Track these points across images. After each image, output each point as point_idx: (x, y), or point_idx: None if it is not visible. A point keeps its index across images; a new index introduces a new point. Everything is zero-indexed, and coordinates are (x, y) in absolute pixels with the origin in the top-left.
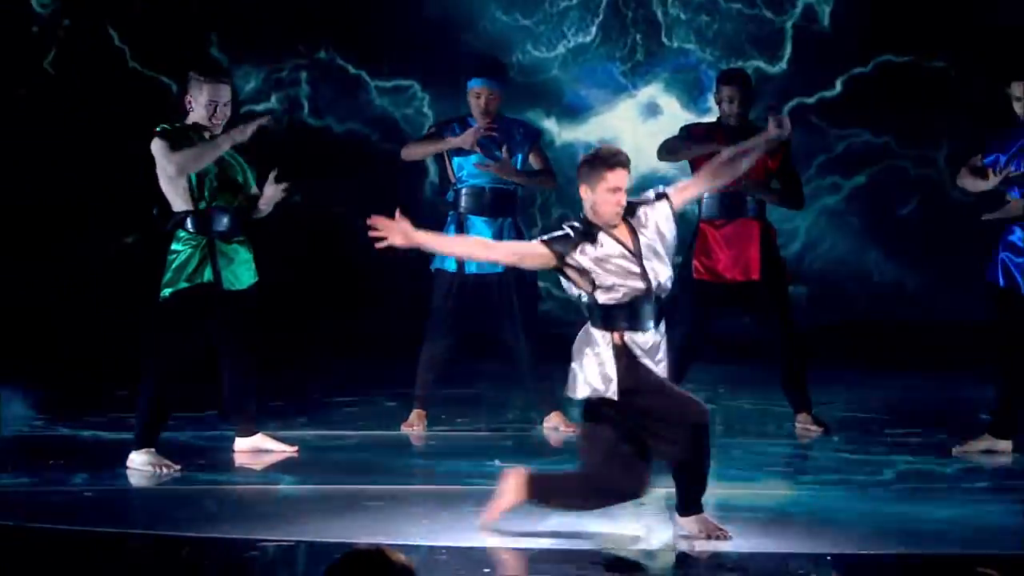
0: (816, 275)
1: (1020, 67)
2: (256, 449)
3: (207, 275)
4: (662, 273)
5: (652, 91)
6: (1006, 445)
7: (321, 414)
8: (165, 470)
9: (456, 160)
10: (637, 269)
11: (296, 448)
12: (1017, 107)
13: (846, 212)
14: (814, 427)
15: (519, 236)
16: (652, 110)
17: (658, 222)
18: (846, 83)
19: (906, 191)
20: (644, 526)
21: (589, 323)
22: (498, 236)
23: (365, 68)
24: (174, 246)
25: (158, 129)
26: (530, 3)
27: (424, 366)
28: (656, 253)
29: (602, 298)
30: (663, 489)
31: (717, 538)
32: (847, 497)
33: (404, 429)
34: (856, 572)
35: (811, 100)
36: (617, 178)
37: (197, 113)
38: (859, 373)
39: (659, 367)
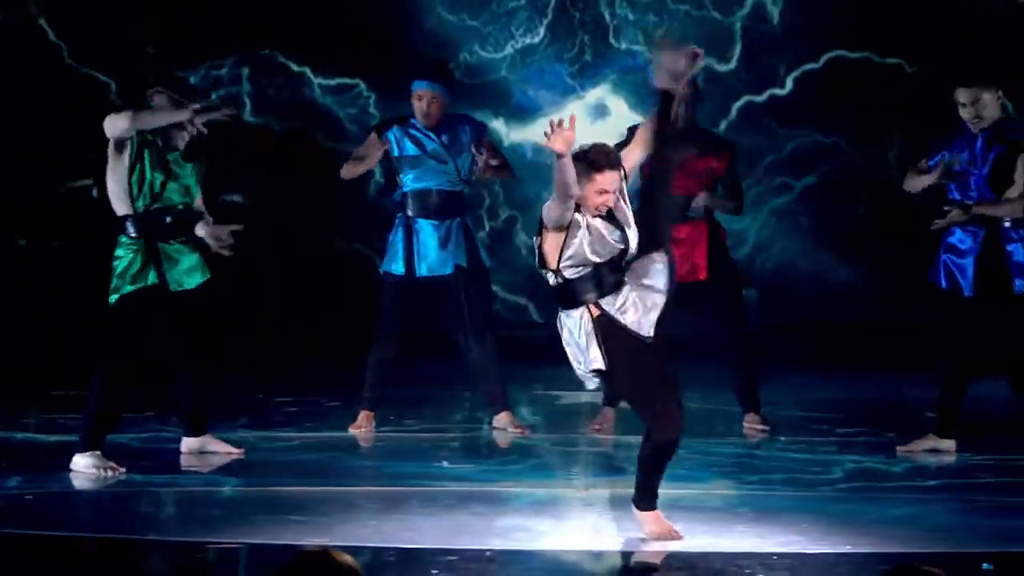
0: (767, 276)
1: (970, 69)
2: (202, 450)
3: (151, 278)
4: (634, 238)
5: (600, 92)
6: (950, 444)
7: (268, 416)
8: (110, 473)
9: (402, 176)
10: (619, 237)
11: (242, 450)
12: (962, 112)
13: (796, 213)
14: (762, 427)
15: (468, 237)
16: (600, 111)
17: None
18: (797, 80)
19: (857, 191)
20: (592, 526)
21: (562, 314)
22: (446, 238)
23: (309, 66)
24: (117, 252)
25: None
26: (477, 3)
27: (372, 367)
28: (629, 219)
29: (569, 272)
30: (607, 490)
31: (669, 538)
32: (795, 496)
33: (352, 430)
34: (803, 571)
35: (761, 98)
36: (606, 180)
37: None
38: (807, 373)
39: (650, 291)
